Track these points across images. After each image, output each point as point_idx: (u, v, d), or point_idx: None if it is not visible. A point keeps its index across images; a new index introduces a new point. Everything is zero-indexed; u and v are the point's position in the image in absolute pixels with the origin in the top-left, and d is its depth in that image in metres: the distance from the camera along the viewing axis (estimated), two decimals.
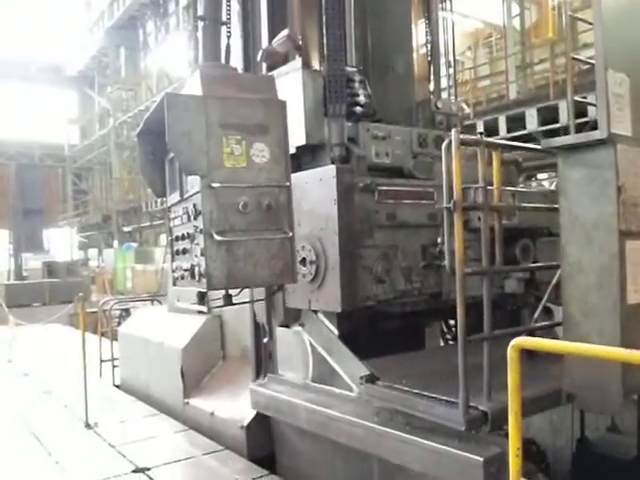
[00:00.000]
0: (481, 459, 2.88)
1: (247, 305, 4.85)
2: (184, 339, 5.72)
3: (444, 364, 4.04)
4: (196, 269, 3.40)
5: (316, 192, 3.89)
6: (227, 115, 3.35)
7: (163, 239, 26.34)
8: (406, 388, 3.49)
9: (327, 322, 4.14)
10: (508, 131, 10.20)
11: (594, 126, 3.89)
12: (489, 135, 10.56)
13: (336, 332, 4.08)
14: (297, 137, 4.09)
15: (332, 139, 4.06)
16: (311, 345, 4.22)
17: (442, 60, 5.34)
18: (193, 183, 3.47)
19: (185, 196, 3.66)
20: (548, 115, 9.65)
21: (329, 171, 3.79)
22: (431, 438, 3.16)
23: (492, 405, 3.10)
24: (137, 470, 4.38)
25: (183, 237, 3.63)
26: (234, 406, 4.91)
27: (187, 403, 5.51)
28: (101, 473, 4.34)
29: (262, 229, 3.39)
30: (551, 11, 13.67)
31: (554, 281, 4.01)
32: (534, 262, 4.57)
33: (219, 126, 3.33)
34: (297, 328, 4.33)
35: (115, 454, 4.79)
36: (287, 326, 4.40)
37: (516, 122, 10.12)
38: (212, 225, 3.27)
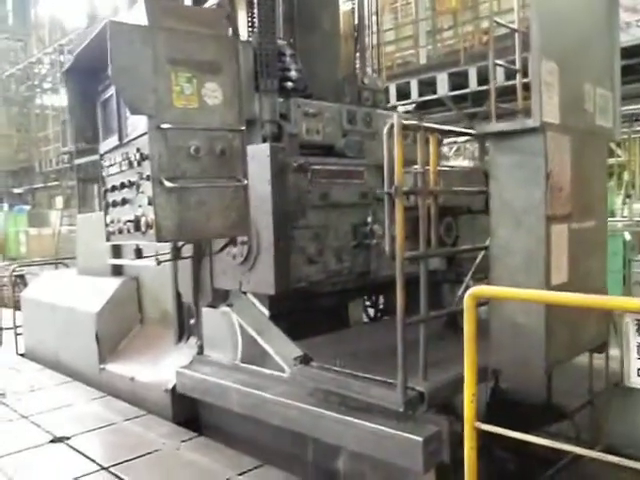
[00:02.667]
0: (420, 439, 3.00)
1: (167, 267, 4.74)
2: (98, 303, 5.50)
3: (374, 342, 4.16)
4: (142, 220, 3.17)
5: (249, 171, 3.81)
6: (176, 50, 3.13)
7: (59, 201, 24.99)
8: (341, 369, 3.55)
9: (257, 303, 4.13)
10: (420, 95, 10.43)
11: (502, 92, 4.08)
12: (400, 98, 10.75)
13: (267, 313, 4.08)
14: None
15: (263, 115, 3.98)
16: (240, 326, 4.20)
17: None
18: (136, 125, 3.25)
19: (125, 140, 3.42)
20: (458, 80, 9.93)
21: (263, 149, 3.72)
22: (369, 419, 3.25)
23: (428, 385, 3.22)
24: (56, 440, 4.19)
25: (123, 186, 3.40)
26: (156, 370, 4.82)
27: (103, 369, 5.34)
28: (16, 445, 4.11)
29: (215, 176, 3.22)
30: None
31: (477, 260, 4.20)
32: (456, 239, 4.76)
33: (167, 61, 3.10)
34: (225, 309, 4.29)
35: (29, 424, 4.55)
36: (213, 306, 4.35)
37: (427, 86, 10.36)
38: (161, 171, 3.06)
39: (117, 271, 5.81)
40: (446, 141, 13.62)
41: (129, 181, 3.34)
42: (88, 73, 3.67)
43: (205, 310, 4.41)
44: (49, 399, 5.13)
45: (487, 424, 2.65)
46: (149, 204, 3.11)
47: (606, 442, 4.06)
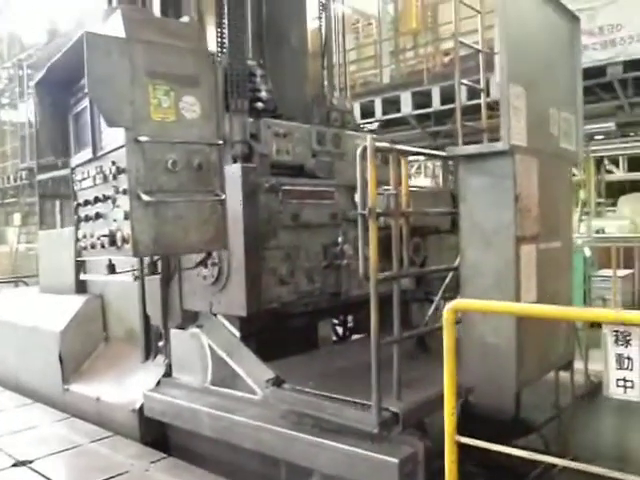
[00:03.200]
0: (396, 460, 3.00)
1: (133, 284, 4.73)
2: (62, 321, 5.36)
3: (346, 362, 4.17)
4: (118, 234, 3.11)
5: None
6: (153, 62, 3.11)
7: (17, 218, 24.36)
8: (314, 391, 3.54)
9: (227, 324, 4.10)
10: (383, 113, 10.58)
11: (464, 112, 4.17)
12: (364, 117, 10.86)
13: (237, 334, 4.05)
14: None
15: (234, 135, 3.97)
16: (210, 347, 4.15)
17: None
18: (111, 139, 3.20)
19: (99, 153, 3.36)
20: (421, 100, 10.11)
21: (234, 170, 3.71)
22: (342, 441, 3.24)
23: (402, 406, 3.23)
24: (18, 464, 4.03)
25: (97, 200, 3.34)
26: (122, 390, 4.72)
27: (67, 390, 5.20)
28: None
29: (192, 190, 3.20)
30: (415, 2, 14.20)
31: (447, 280, 4.26)
32: (424, 259, 4.82)
33: (145, 73, 3.07)
34: (194, 330, 4.24)
35: None
36: (182, 328, 4.30)
37: (391, 105, 10.52)
38: (138, 184, 3.02)
39: (81, 289, 5.69)
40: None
41: (103, 195, 3.28)
42: (60, 85, 3.61)
43: (174, 332, 4.35)
44: (10, 421, 4.96)
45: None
46: (125, 218, 3.06)
47: (574, 454, 4.13)
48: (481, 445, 2.47)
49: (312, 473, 3.45)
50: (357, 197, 4.39)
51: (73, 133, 3.73)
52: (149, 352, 4.74)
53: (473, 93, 9.21)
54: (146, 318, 4.67)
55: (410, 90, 9.99)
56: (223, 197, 3.35)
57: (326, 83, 5.20)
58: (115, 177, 3.16)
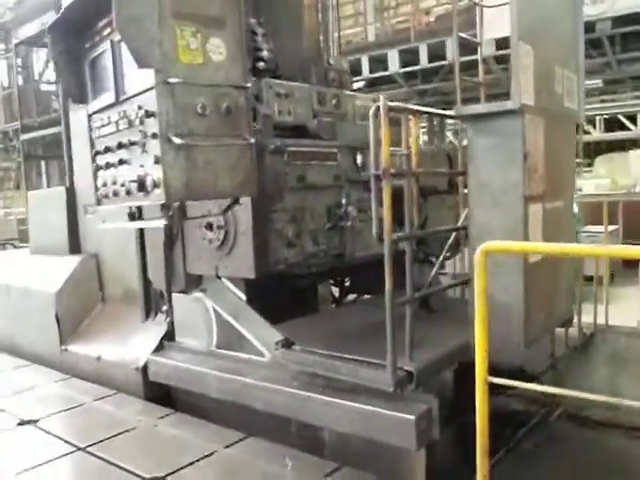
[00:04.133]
0: (413, 417, 3.07)
1: (129, 243, 4.79)
2: (57, 282, 5.33)
3: (353, 323, 4.22)
4: (148, 179, 3.05)
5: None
6: (181, 3, 3.03)
7: None
8: (325, 352, 3.58)
9: (232, 287, 4.10)
10: (370, 72, 10.51)
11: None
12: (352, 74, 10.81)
13: (244, 297, 4.06)
14: None
15: None
16: (215, 311, 4.17)
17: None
18: (137, 82, 3.12)
19: (123, 98, 3.28)
20: (407, 58, 10.04)
21: None
22: (357, 399, 3.30)
23: (416, 365, 3.29)
24: (23, 422, 4.04)
25: (120, 146, 3.27)
26: (123, 349, 4.73)
27: (65, 350, 5.20)
28: None
29: (221, 135, 3.14)
30: None
31: (450, 241, 4.30)
32: (425, 219, 4.85)
33: (172, 14, 2.99)
34: (198, 294, 4.24)
35: None
36: (185, 292, 4.29)
37: (377, 64, 10.43)
38: (169, 127, 2.96)
39: (75, 249, 5.64)
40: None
41: (129, 140, 3.20)
42: (74, 30, 3.50)
43: (176, 296, 4.35)
44: (8, 383, 4.95)
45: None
46: (156, 163, 2.99)
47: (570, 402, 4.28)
48: (510, 384, 2.54)
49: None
50: (359, 158, 4.44)
51: (90, 79, 3.61)
52: (149, 312, 4.75)
53: (462, 50, 9.19)
54: (145, 277, 4.67)
55: (397, 48, 9.90)
56: (252, 141, 3.29)
57: (322, 40, 5.11)
58: (142, 121, 3.08)
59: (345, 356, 3.50)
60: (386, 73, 10.30)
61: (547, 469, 3.53)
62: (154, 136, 3.00)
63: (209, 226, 3.89)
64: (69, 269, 5.39)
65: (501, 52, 8.32)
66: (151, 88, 3.00)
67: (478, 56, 4.81)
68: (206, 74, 3.12)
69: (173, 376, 4.18)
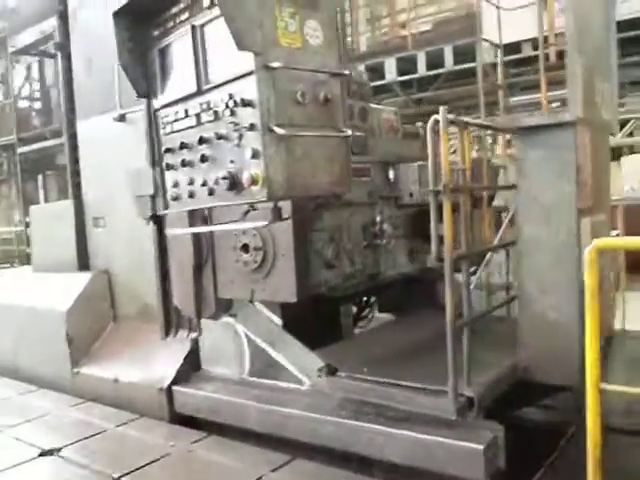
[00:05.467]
0: (481, 447, 2.92)
1: (143, 256, 4.65)
2: (67, 300, 5.03)
3: (391, 346, 4.06)
4: (243, 176, 2.75)
5: None
6: None
7: None
8: (373, 378, 3.42)
9: (267, 312, 3.92)
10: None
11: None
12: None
13: (279, 322, 3.88)
14: None
15: None
16: (247, 337, 3.98)
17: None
18: (224, 69, 2.86)
19: (206, 87, 2.99)
20: (404, 66, 9.97)
21: None
22: (417, 429, 3.13)
23: (476, 390, 3.15)
24: (45, 453, 3.74)
25: (202, 141, 2.98)
26: (144, 369, 4.47)
27: (77, 373, 4.90)
28: (2, 462, 3.64)
29: (319, 125, 2.89)
30: None
31: (487, 257, 4.19)
32: None
33: None
34: (227, 319, 4.05)
35: (8, 438, 4.04)
36: (213, 318, 4.09)
37: (371, 73, 10.34)
38: (270, 117, 2.70)
39: (84, 265, 5.40)
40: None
41: (216, 134, 2.91)
42: (141, 17, 3.23)
43: (203, 322, 4.14)
44: (19, 409, 4.62)
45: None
46: (253, 157, 2.72)
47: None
48: (625, 390, 2.42)
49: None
50: (391, 174, 4.31)
51: (159, 69, 3.31)
52: (169, 329, 4.53)
53: (457, 57, 9.22)
54: (165, 293, 4.47)
55: (395, 56, 9.82)
56: (349, 133, 3.06)
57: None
58: (233, 112, 2.81)
59: (397, 382, 3.35)
60: (384, 82, 10.19)
61: None
62: (251, 127, 2.73)
63: (244, 247, 3.70)
64: (80, 286, 5.12)
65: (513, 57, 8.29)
66: (248, 74, 2.74)
67: (498, 59, 4.73)
68: (305, 59, 2.88)
69: (204, 408, 3.96)
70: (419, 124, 4.97)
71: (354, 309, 5.31)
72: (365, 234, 4.06)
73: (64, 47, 5.52)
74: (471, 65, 8.14)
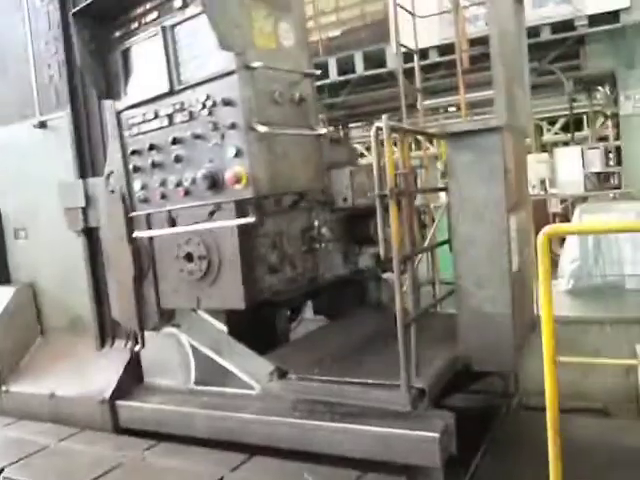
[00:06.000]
0: (437, 435, 3.09)
1: (72, 269, 4.58)
2: None
3: (335, 346, 4.16)
4: (226, 175, 2.77)
5: None
6: None
7: None
8: (325, 377, 3.52)
9: (212, 320, 3.93)
10: None
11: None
12: None
13: (225, 329, 3.90)
14: None
15: None
16: (192, 346, 3.98)
17: None
18: (200, 70, 2.86)
19: (179, 88, 2.97)
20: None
21: None
22: (374, 423, 3.27)
23: (425, 381, 3.32)
24: None
25: (175, 142, 2.98)
26: (82, 381, 4.37)
27: (7, 391, 4.70)
28: None
29: (294, 125, 2.97)
30: None
31: (421, 256, 4.40)
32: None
33: None
34: (170, 330, 4.02)
35: None
36: (155, 329, 4.05)
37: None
38: (252, 116, 2.73)
39: (4, 279, 5.18)
40: None
41: (192, 134, 2.91)
42: (102, 18, 3.17)
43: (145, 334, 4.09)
44: None
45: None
46: (236, 155, 2.75)
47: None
48: (580, 361, 2.61)
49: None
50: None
51: (122, 70, 3.25)
52: (104, 339, 4.47)
53: (368, 63, 9.48)
54: (98, 304, 4.44)
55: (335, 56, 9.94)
56: (324, 132, 3.17)
57: None
58: (211, 112, 2.83)
59: (348, 380, 3.46)
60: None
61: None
62: (233, 126, 2.76)
63: (188, 256, 3.69)
64: (2, 301, 4.92)
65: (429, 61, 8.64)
66: (228, 73, 2.77)
67: (415, 64, 4.98)
68: (279, 60, 2.96)
69: (151, 420, 3.92)
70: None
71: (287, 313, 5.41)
72: (304, 239, 4.15)
73: None
74: (381, 70, 8.46)
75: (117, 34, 3.24)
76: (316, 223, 4.22)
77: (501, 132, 3.57)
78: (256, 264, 3.71)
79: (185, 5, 2.85)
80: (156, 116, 3.11)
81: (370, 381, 3.39)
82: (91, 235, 4.34)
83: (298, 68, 3.11)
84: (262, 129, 2.78)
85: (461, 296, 3.78)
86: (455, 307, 3.83)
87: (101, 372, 4.26)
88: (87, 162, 4.45)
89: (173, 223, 3.34)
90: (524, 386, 4.84)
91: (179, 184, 2.99)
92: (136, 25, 3.15)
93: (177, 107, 3.00)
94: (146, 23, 3.08)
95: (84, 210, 4.22)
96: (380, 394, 3.32)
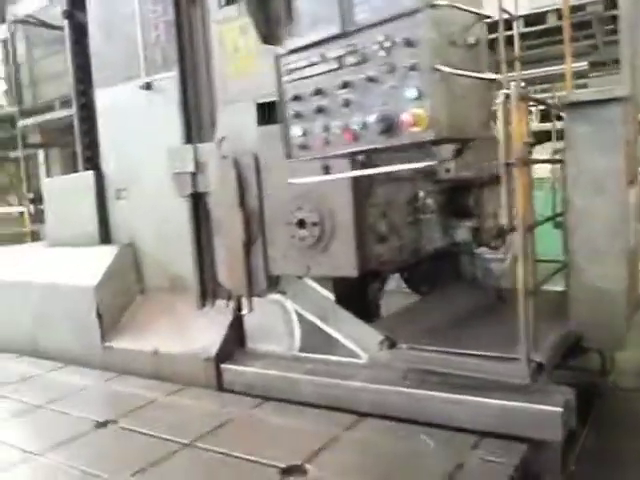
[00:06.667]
0: (559, 409, 3.04)
1: (169, 231, 4.71)
2: (94, 275, 4.94)
3: (442, 317, 4.14)
4: (403, 116, 2.66)
5: None
6: None
7: None
8: (438, 348, 3.51)
9: (319, 287, 3.95)
10: None
11: None
12: None
13: (332, 297, 3.92)
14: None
15: None
16: (297, 313, 4.01)
17: None
18: (378, 10, 2.76)
19: (352, 29, 2.87)
20: None
21: None
22: (492, 395, 3.24)
23: (544, 355, 3.27)
24: (100, 424, 3.66)
25: (345, 85, 2.90)
26: (185, 339, 4.45)
27: (109, 347, 4.82)
28: (58, 435, 3.53)
29: (470, 69, 2.84)
30: None
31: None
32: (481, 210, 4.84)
33: None
34: (275, 296, 4.06)
35: (54, 414, 3.92)
36: (260, 295, 4.10)
37: None
38: (435, 57, 2.64)
39: (105, 239, 5.31)
40: None
41: (367, 76, 2.81)
42: None
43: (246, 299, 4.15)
44: (52, 386, 4.50)
45: None
46: (416, 98, 2.66)
47: None
48: None
49: None
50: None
51: (284, 14, 3.12)
52: (205, 298, 4.55)
53: None
54: (201, 262, 4.52)
55: None
56: (495, 77, 3.07)
57: None
58: (388, 53, 2.74)
59: (462, 351, 3.44)
60: None
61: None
62: (413, 67, 2.67)
63: (300, 223, 3.71)
64: (106, 260, 5.02)
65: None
66: (412, 12, 2.66)
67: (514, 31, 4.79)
68: (456, 1, 2.78)
69: (256, 384, 3.97)
70: None
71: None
72: (409, 209, 4.13)
73: (72, 15, 5.37)
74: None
75: None
76: (421, 194, 4.18)
77: (624, 102, 3.46)
78: (367, 232, 3.71)
79: None
80: (323, 59, 3.01)
81: (486, 353, 3.36)
82: (198, 200, 4.40)
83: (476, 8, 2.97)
84: (446, 69, 2.68)
85: (573, 272, 3.70)
86: (565, 283, 3.77)
87: (203, 331, 4.33)
88: (193, 124, 4.51)
89: (327, 172, 3.26)
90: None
91: (346, 129, 2.92)
92: None
93: (349, 49, 2.90)
94: None
95: (193, 175, 4.27)
96: (497, 366, 3.28)
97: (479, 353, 3.38)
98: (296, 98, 3.09)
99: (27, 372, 4.90)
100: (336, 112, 2.96)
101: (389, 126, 2.75)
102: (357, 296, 4.32)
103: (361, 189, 3.63)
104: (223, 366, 4.11)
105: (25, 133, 13.20)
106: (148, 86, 4.72)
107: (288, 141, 3.16)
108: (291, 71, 3.11)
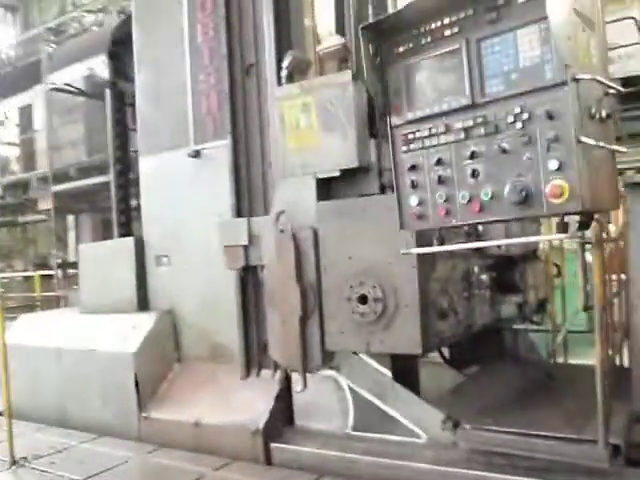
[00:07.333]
0: None
1: (212, 299, 4.72)
2: (133, 341, 4.82)
3: (500, 393, 4.07)
4: (547, 188, 2.67)
5: (383, 220, 3.58)
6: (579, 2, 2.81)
7: None
8: (506, 429, 3.43)
9: (375, 364, 3.88)
10: None
11: None
12: None
13: (389, 374, 3.85)
14: (344, 158, 3.80)
15: (383, 162, 3.82)
16: (351, 390, 3.93)
17: None
18: (503, 84, 2.83)
19: (482, 100, 2.91)
20: None
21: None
22: (566, 479, 3.16)
23: (620, 437, 3.20)
24: None
25: (473, 156, 2.92)
26: (229, 411, 4.31)
27: (147, 417, 4.65)
28: None
29: (603, 140, 2.86)
30: None
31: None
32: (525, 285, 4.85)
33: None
34: (329, 372, 3.98)
35: None
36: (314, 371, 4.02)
37: None
38: (579, 129, 2.66)
39: (143, 305, 5.23)
40: None
41: (500, 147, 2.84)
42: (387, 33, 3.19)
43: (295, 375, 4.06)
44: (88, 459, 4.31)
45: None
46: (558, 169, 2.67)
47: None
48: None
49: None
50: (480, 225, 4.41)
51: (404, 85, 3.18)
52: (249, 367, 4.47)
53: None
54: (246, 331, 4.50)
55: None
56: (625, 150, 3.06)
57: None
58: (524, 125, 2.78)
59: (529, 432, 3.37)
60: None
61: None
62: (554, 140, 2.71)
63: (362, 298, 3.68)
64: (145, 327, 4.92)
65: None
66: (555, 86, 2.71)
67: None
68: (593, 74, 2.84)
69: (309, 464, 3.84)
70: None
71: None
72: (464, 284, 4.12)
73: (115, 85, 5.47)
74: None
75: (401, 49, 3.20)
76: (476, 269, 4.20)
77: None
78: (430, 309, 3.68)
79: (499, 18, 2.83)
80: (447, 130, 3.05)
81: (555, 434, 3.29)
82: (248, 271, 4.41)
83: (603, 85, 2.98)
84: (589, 141, 2.71)
85: (636, 351, 3.68)
86: (630, 361, 3.74)
87: (248, 402, 4.23)
88: (244, 194, 4.56)
89: (441, 243, 3.25)
90: None
91: (474, 199, 2.92)
92: (428, 40, 3.09)
93: (479, 120, 2.94)
94: (442, 37, 3.02)
95: (245, 248, 4.27)
96: (571, 448, 3.22)
97: (547, 434, 3.32)
98: (413, 167, 3.11)
99: (55, 444, 4.71)
100: (462, 182, 2.97)
101: (526, 197, 2.76)
102: (408, 372, 4.27)
103: (425, 265, 3.63)
104: (273, 445, 3.99)
105: (36, 198, 13.17)
106: (197, 154, 4.75)
107: (404, 211, 3.16)
108: (409, 141, 3.14)
